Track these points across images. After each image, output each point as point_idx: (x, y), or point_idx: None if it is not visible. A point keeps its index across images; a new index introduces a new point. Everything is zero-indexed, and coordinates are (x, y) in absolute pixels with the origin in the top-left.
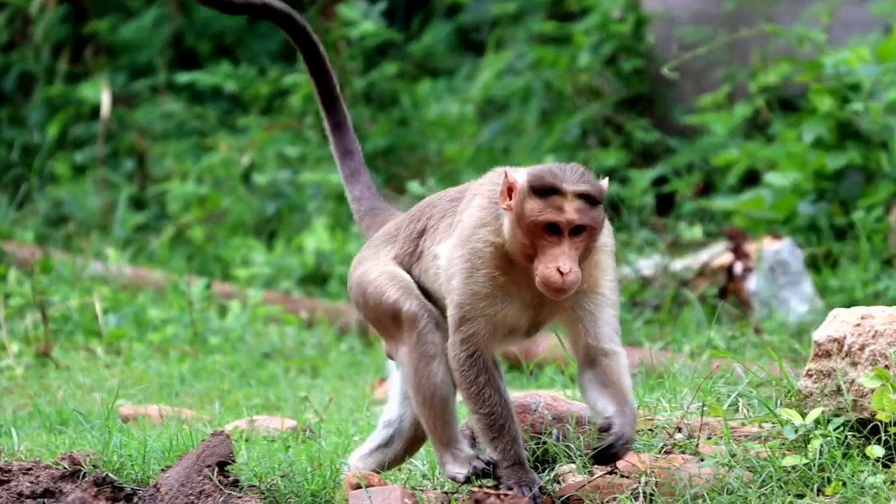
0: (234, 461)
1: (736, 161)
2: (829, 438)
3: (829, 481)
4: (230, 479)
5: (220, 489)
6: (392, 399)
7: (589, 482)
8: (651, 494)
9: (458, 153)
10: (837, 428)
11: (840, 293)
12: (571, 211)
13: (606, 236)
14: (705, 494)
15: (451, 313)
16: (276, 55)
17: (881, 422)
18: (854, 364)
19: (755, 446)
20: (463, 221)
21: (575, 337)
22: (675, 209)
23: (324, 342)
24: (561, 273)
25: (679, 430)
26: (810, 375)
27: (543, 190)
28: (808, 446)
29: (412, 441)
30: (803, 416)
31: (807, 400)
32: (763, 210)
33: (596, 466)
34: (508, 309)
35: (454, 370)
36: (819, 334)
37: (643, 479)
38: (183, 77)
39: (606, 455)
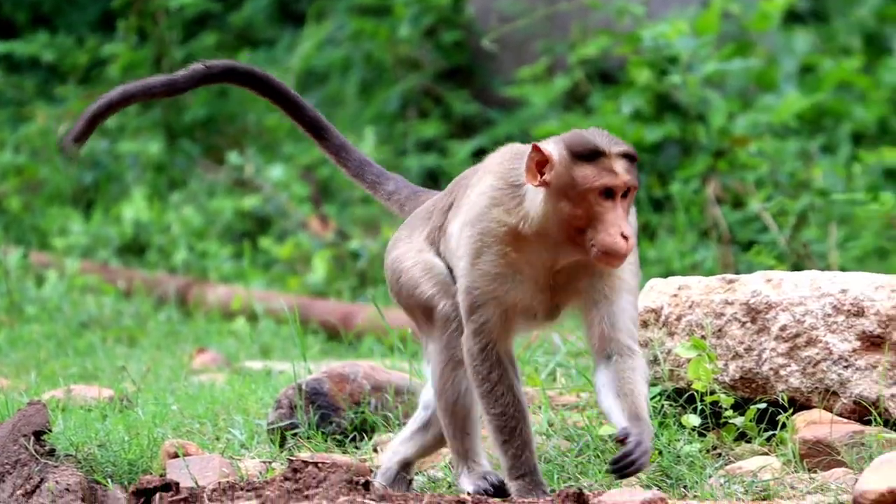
0: (50, 430)
1: (555, 133)
2: None
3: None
4: (46, 448)
5: (36, 458)
6: (428, 379)
7: None
8: None
9: (277, 124)
10: (654, 397)
11: (658, 264)
12: (623, 172)
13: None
14: None
15: (461, 300)
16: (95, 25)
17: (697, 391)
18: (671, 334)
19: (573, 415)
20: (472, 199)
21: (590, 325)
22: None
23: (141, 312)
24: (625, 238)
25: None
26: None
27: (589, 154)
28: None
29: None
30: None
31: None
32: None
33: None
34: (520, 290)
35: (467, 366)
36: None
37: None
38: None
39: (625, 465)
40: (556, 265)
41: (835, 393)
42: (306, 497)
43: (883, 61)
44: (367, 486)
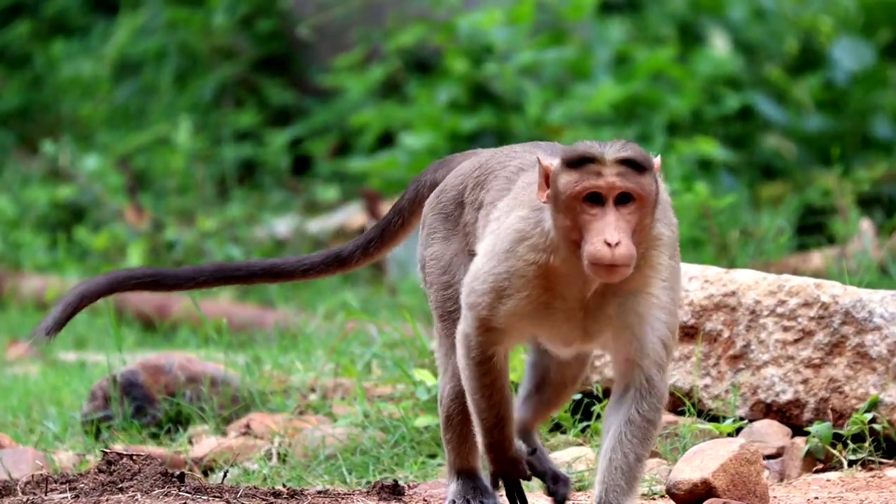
0: None
1: (371, 122)
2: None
3: None
4: None
5: None
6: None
7: (222, 444)
8: (285, 455)
9: (92, 113)
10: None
11: None
12: (612, 175)
13: (662, 226)
14: (339, 455)
15: (471, 282)
16: None
17: (513, 382)
18: None
19: (388, 407)
20: (500, 232)
21: (618, 350)
22: (311, 170)
23: None
24: (609, 245)
25: (313, 390)
26: None
27: (578, 160)
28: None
29: (559, 386)
30: (436, 376)
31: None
32: (398, 171)
33: None
34: (546, 325)
35: (460, 365)
36: None
37: (276, 440)
38: None
39: None
40: (588, 292)
41: None
42: (121, 489)
43: (697, 51)
44: (181, 478)
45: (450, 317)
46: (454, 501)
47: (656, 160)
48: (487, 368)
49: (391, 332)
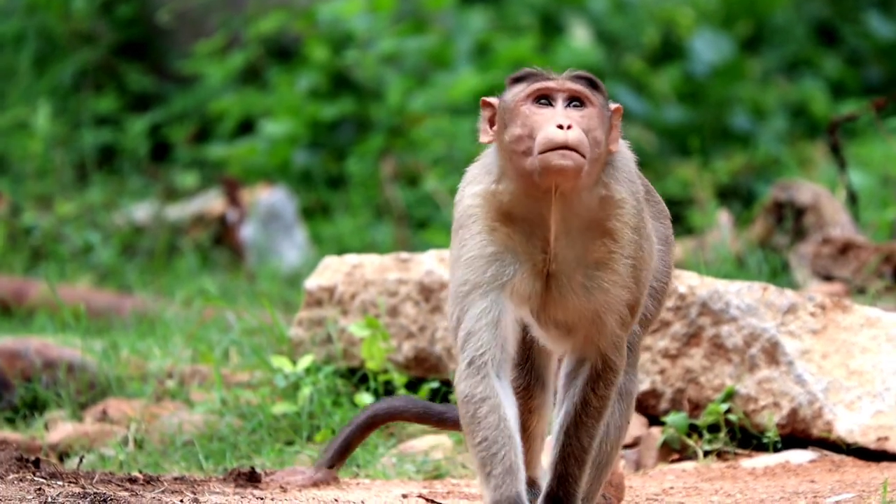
0: None
1: (231, 109)
2: (319, 386)
3: (319, 428)
4: None
5: None
6: None
7: (79, 429)
8: (142, 441)
9: None
10: (328, 376)
11: (333, 242)
12: (563, 79)
13: (623, 190)
14: (196, 441)
15: (449, 312)
16: None
17: (370, 370)
18: (345, 312)
19: (246, 394)
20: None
21: (578, 327)
22: (170, 156)
23: None
24: (560, 128)
25: (170, 377)
26: (301, 324)
27: (526, 75)
28: (299, 394)
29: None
30: (294, 363)
31: (298, 348)
32: (258, 158)
33: None
34: (517, 275)
35: (455, 385)
36: (310, 283)
37: (133, 426)
38: None
39: None
40: (549, 232)
41: None
42: None
43: (558, 41)
44: (37, 463)
45: None
46: None
47: (617, 105)
48: (476, 381)
49: (249, 319)
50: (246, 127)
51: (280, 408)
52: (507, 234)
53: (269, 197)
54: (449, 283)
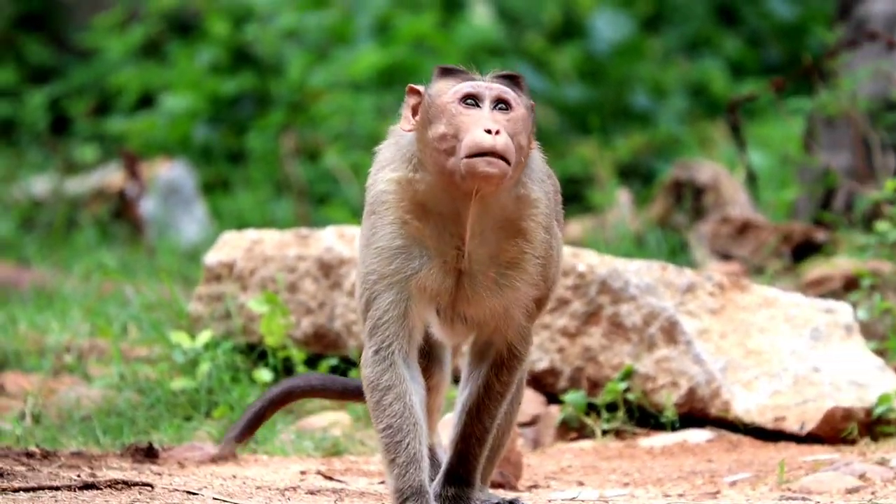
0: None
1: (131, 83)
2: (217, 362)
3: (217, 404)
4: None
5: None
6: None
7: None
8: (39, 416)
9: None
10: (226, 352)
11: (233, 217)
12: (489, 81)
13: (538, 190)
14: (94, 416)
15: (357, 295)
16: None
17: (269, 346)
18: (244, 288)
19: (145, 369)
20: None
21: (487, 318)
22: (69, 129)
23: None
24: (489, 132)
25: (68, 351)
26: (201, 299)
27: (454, 70)
28: (197, 370)
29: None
30: (193, 339)
31: (197, 323)
32: (158, 132)
33: None
34: (426, 271)
35: (361, 372)
36: (210, 258)
37: (30, 401)
38: None
39: None
40: (464, 229)
41: None
42: None
43: (459, 18)
44: None
45: None
46: None
47: (531, 103)
48: (383, 369)
49: (148, 294)
50: (146, 101)
51: (178, 383)
52: (419, 227)
53: (169, 171)
54: (358, 264)
